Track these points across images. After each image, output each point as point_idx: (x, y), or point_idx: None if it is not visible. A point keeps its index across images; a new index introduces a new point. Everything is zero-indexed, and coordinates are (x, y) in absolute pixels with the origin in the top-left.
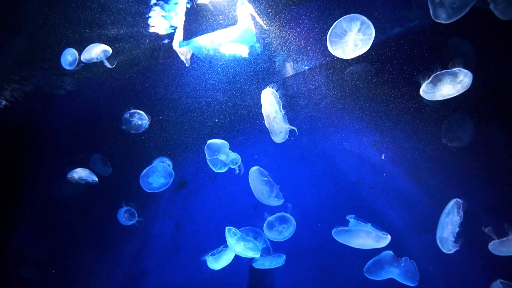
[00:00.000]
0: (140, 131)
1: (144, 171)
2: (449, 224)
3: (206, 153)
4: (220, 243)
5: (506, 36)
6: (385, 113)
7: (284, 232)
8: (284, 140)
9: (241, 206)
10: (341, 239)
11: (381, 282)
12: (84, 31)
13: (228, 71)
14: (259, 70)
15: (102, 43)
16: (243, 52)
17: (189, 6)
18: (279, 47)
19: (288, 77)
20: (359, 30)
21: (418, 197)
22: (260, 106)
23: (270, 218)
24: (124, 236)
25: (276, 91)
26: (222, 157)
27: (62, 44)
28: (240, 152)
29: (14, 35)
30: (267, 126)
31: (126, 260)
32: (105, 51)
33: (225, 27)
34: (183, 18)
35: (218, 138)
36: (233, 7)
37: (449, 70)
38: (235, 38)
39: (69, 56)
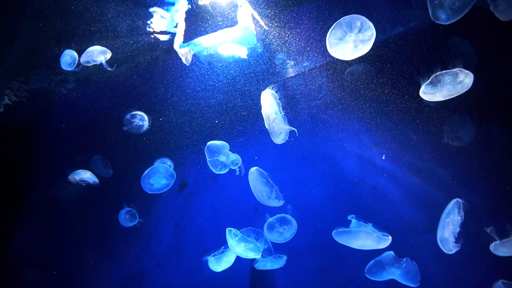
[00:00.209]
0: (141, 132)
1: (146, 172)
2: (450, 225)
3: (206, 155)
4: (221, 244)
5: (506, 36)
6: (386, 114)
7: (285, 234)
8: (284, 141)
9: (242, 207)
10: (342, 240)
11: (382, 283)
12: (84, 33)
13: (228, 72)
14: (259, 71)
15: (102, 45)
16: (243, 53)
17: (189, 7)
18: (279, 48)
19: (288, 78)
20: (359, 31)
21: (419, 198)
22: (260, 107)
23: (270, 220)
24: (125, 237)
25: (276, 92)
26: (222, 158)
27: (62, 46)
28: (240, 153)
29: (15, 37)
30: (267, 127)
31: (127, 261)
32: (104, 53)
33: (225, 28)
34: (184, 19)
35: (218, 139)
36: (233, 8)
37: (449, 70)
38: (235, 39)
39: (68, 57)
